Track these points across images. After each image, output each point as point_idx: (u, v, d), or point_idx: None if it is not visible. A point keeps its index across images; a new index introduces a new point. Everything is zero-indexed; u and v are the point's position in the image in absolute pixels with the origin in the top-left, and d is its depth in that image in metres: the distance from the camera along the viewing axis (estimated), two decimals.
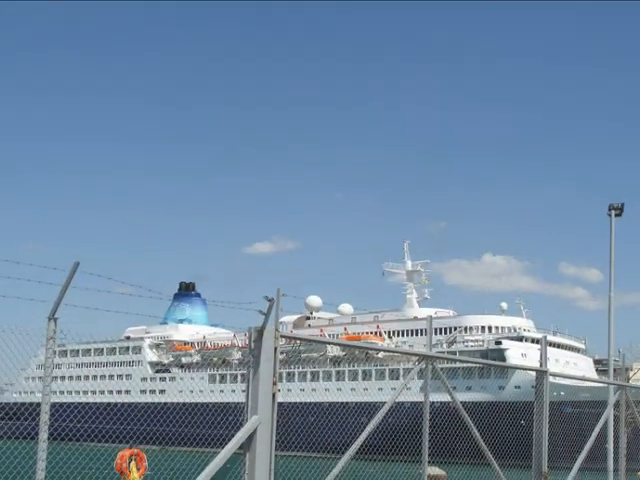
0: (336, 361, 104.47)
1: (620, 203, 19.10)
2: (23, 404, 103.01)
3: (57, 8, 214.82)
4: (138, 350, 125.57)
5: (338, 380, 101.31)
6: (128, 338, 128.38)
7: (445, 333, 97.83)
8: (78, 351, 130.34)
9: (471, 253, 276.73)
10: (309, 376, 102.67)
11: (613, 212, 19.01)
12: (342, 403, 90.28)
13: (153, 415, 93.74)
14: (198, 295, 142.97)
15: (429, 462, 10.97)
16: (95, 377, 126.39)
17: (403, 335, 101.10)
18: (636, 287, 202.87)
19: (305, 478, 17.73)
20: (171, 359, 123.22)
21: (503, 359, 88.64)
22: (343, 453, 9.46)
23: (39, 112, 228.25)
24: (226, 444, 7.88)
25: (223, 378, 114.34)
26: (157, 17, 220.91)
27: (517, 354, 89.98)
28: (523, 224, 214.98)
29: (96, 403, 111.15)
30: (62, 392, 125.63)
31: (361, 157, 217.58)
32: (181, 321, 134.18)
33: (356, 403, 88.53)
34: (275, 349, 8.41)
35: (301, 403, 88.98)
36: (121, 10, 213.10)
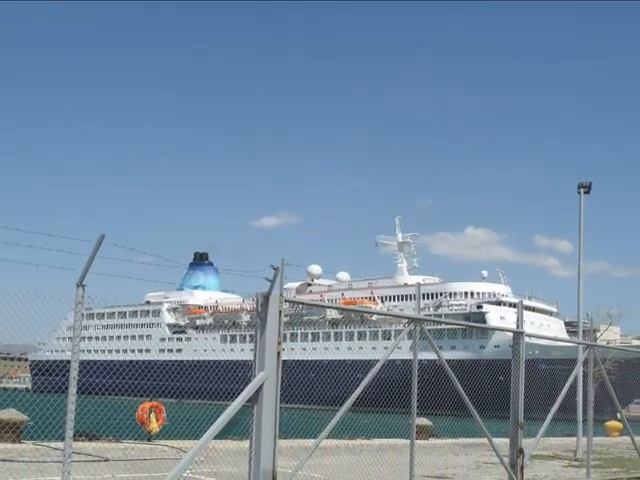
0: (334, 323, 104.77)
1: (588, 182, 18.75)
2: (55, 361, 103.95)
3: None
4: (157, 313, 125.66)
5: (336, 340, 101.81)
6: (148, 302, 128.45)
7: (432, 298, 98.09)
8: (104, 314, 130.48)
9: (455, 227, 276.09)
10: (310, 337, 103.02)
11: (582, 190, 18.43)
12: (340, 361, 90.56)
13: (171, 372, 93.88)
14: (211, 264, 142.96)
15: (417, 414, 10.98)
16: (119, 337, 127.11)
17: (394, 300, 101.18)
18: (602, 257, 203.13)
19: (306, 428, 17.77)
20: (187, 321, 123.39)
21: (484, 321, 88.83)
22: (341, 405, 9.44)
23: (69, 99, 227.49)
24: (236, 398, 7.88)
25: (233, 338, 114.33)
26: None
27: (496, 317, 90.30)
28: (502, 200, 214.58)
29: (120, 361, 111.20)
30: (89, 351, 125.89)
31: (358, 140, 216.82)
32: (196, 287, 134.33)
33: (352, 361, 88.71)
34: (280, 312, 8.40)
35: (303, 361, 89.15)
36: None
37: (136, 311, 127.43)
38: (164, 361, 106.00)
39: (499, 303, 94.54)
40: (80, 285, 8.14)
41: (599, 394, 17.92)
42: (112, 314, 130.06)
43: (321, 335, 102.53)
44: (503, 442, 13.17)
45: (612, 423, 34.72)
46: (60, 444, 10.74)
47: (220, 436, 7.81)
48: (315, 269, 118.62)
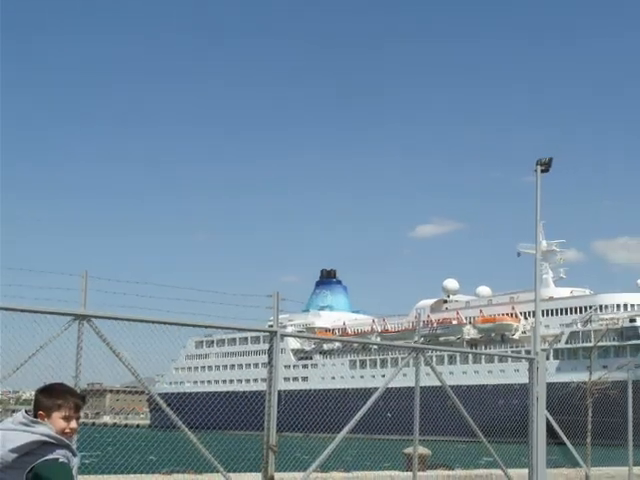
0: (473, 343, 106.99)
1: (548, 158, 17.77)
2: (172, 394, 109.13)
3: None
4: (281, 338, 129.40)
5: (475, 363, 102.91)
6: (271, 326, 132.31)
7: (580, 312, 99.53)
8: (224, 341, 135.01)
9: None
10: (446, 359, 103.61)
11: (539, 167, 17.67)
12: (479, 386, 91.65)
13: (296, 402, 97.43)
14: (339, 282, 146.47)
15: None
16: (240, 366, 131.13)
17: (542, 315, 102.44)
18: None
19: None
20: (312, 346, 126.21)
21: (638, 337, 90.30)
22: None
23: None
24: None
25: (363, 364, 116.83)
26: None
27: None
28: None
29: (242, 392, 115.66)
30: (209, 382, 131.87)
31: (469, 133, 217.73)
32: (322, 308, 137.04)
33: (494, 386, 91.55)
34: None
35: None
36: None
37: (258, 337, 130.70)
38: (289, 391, 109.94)
39: None
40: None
41: None
42: (233, 340, 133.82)
43: (458, 357, 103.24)
44: (518, 473, 15.35)
45: None
46: None
47: None
48: (451, 283, 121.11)
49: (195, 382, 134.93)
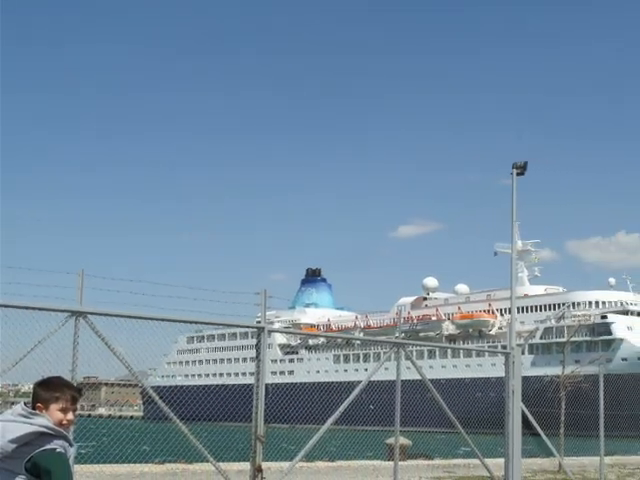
0: (451, 339, 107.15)
1: (523, 162, 17.70)
2: (164, 387, 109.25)
3: None
4: (268, 334, 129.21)
5: (453, 357, 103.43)
6: (259, 322, 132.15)
7: (554, 309, 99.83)
8: (214, 336, 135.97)
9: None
10: (426, 354, 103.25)
11: (515, 171, 17.65)
12: (458, 379, 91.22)
13: (282, 395, 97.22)
14: (324, 280, 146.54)
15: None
16: (230, 360, 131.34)
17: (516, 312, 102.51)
18: None
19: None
20: (299, 341, 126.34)
21: (609, 333, 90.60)
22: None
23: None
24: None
25: (347, 358, 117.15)
26: None
27: (623, 327, 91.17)
28: None
29: (232, 385, 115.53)
30: (200, 375, 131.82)
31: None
32: (308, 305, 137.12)
33: (471, 379, 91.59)
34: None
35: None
36: None
37: (247, 332, 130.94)
38: (276, 384, 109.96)
39: (626, 313, 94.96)
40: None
41: None
42: (223, 336, 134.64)
43: (438, 352, 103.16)
44: (495, 462, 15.32)
45: None
46: None
47: None
48: (431, 281, 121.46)
49: (186, 376, 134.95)
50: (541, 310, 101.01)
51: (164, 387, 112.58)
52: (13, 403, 5.60)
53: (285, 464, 13.03)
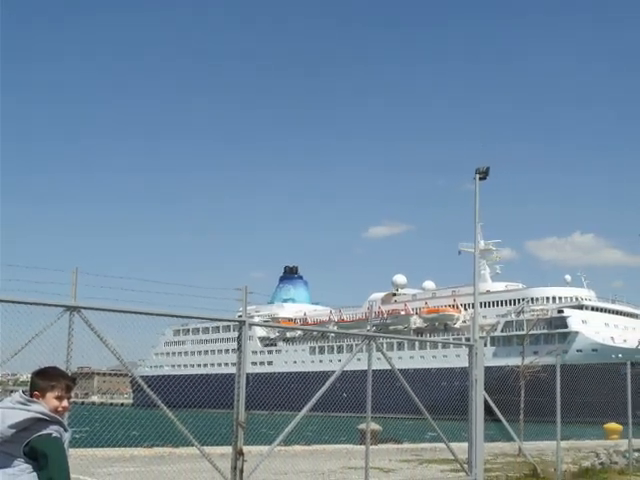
0: (419, 332, 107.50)
1: (485, 167, 17.83)
2: (153, 377, 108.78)
3: None
4: (249, 327, 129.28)
5: (421, 349, 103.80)
6: (240, 316, 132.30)
7: (514, 304, 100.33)
8: (198, 329, 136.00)
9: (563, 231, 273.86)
10: (396, 346, 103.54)
11: (478, 176, 17.69)
12: (424, 370, 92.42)
13: (262, 384, 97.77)
14: (301, 277, 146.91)
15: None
16: (213, 351, 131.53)
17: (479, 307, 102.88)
18: None
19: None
20: (277, 334, 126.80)
21: (565, 326, 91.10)
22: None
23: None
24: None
25: (322, 350, 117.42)
26: None
27: (578, 321, 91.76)
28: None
29: (215, 374, 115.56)
30: (185, 365, 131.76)
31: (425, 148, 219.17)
32: (286, 300, 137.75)
33: (437, 369, 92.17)
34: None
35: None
36: None
37: (229, 326, 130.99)
38: (256, 374, 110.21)
39: (581, 307, 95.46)
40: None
41: None
42: (207, 329, 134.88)
43: (406, 344, 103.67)
44: (459, 446, 15.32)
45: (612, 425, 32.42)
46: None
47: None
48: (400, 278, 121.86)
49: (173, 366, 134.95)
50: (502, 305, 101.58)
51: (152, 376, 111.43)
52: (12, 391, 5.60)
53: (265, 448, 13.00)
